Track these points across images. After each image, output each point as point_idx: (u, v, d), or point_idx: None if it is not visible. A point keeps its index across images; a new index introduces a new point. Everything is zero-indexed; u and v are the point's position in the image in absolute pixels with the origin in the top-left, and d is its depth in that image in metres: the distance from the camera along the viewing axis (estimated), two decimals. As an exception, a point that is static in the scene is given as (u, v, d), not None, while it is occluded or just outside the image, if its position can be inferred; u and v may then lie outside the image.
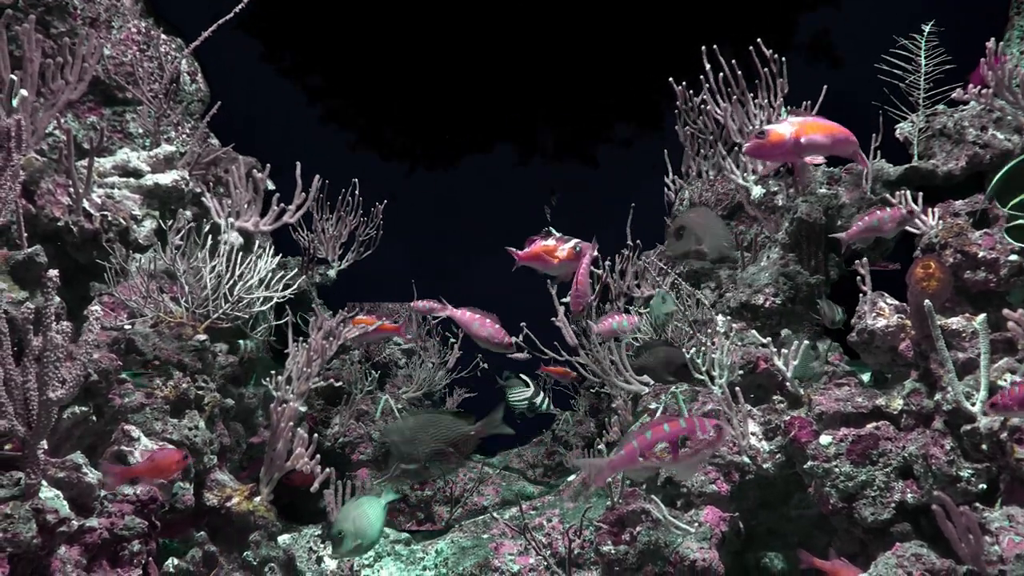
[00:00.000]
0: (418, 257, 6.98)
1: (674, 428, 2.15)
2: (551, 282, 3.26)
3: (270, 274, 3.55)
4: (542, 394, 3.96)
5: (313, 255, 4.78)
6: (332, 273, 4.63)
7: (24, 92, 2.87)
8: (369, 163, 7.01)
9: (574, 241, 2.90)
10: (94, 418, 2.53)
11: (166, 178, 3.64)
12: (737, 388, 3.08)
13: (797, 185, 3.73)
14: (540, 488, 4.31)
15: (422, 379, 4.82)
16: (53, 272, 2.00)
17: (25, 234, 2.75)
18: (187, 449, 2.87)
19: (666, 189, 4.36)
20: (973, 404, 2.61)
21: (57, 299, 2.05)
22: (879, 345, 3.02)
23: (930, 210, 3.10)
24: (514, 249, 2.82)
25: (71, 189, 3.11)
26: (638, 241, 4.12)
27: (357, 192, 4.67)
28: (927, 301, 2.61)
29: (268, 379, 3.50)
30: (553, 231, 2.73)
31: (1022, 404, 2.23)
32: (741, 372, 3.31)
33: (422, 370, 4.84)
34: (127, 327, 3.06)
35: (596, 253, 3.01)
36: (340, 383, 4.43)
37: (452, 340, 5.02)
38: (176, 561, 2.77)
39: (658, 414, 3.37)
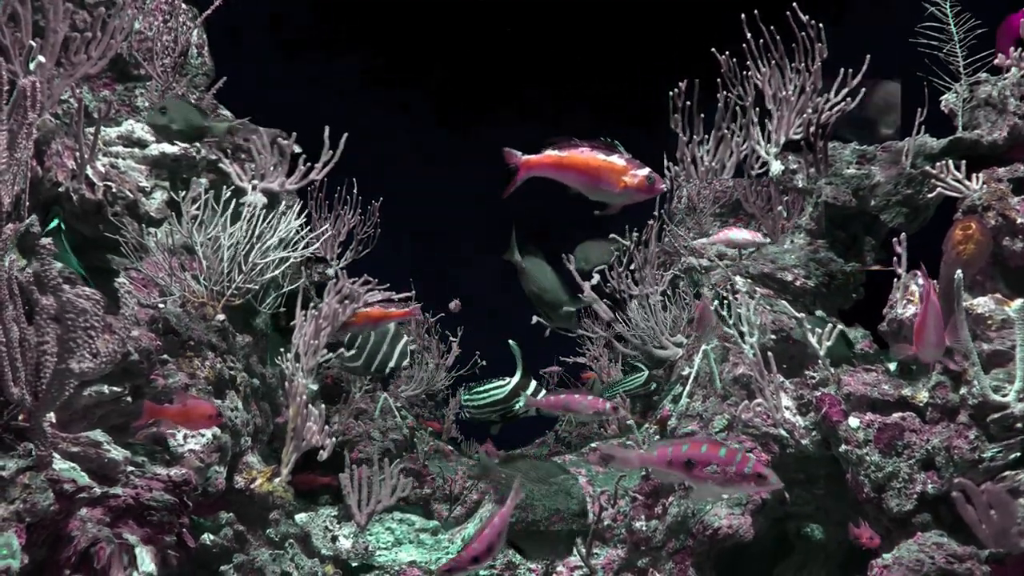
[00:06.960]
0: (420, 253, 6.85)
1: (711, 452, 2.05)
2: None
3: (292, 233, 3.42)
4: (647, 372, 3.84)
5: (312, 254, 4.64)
6: (331, 272, 4.49)
7: (42, 58, 2.77)
8: (382, 145, 6.85)
9: (648, 169, 2.06)
10: (129, 399, 2.45)
11: (172, 147, 3.51)
12: (770, 353, 3.00)
13: (819, 164, 3.57)
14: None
15: (422, 378, 4.73)
16: (46, 240, 1.94)
17: (28, 203, 2.65)
18: (229, 432, 2.85)
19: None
20: (1005, 395, 2.50)
21: (59, 264, 1.98)
22: (907, 335, 2.90)
23: (974, 175, 2.98)
24: (519, 154, 2.01)
25: (77, 153, 3.00)
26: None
27: (355, 190, 4.49)
28: (958, 273, 2.45)
29: (278, 357, 3.38)
30: (619, 146, 2.00)
31: None
32: (774, 337, 3.22)
33: (423, 370, 4.76)
34: (161, 306, 2.97)
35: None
36: (343, 382, 4.33)
37: (452, 339, 4.94)
38: (212, 537, 2.79)
39: (691, 380, 3.29)
